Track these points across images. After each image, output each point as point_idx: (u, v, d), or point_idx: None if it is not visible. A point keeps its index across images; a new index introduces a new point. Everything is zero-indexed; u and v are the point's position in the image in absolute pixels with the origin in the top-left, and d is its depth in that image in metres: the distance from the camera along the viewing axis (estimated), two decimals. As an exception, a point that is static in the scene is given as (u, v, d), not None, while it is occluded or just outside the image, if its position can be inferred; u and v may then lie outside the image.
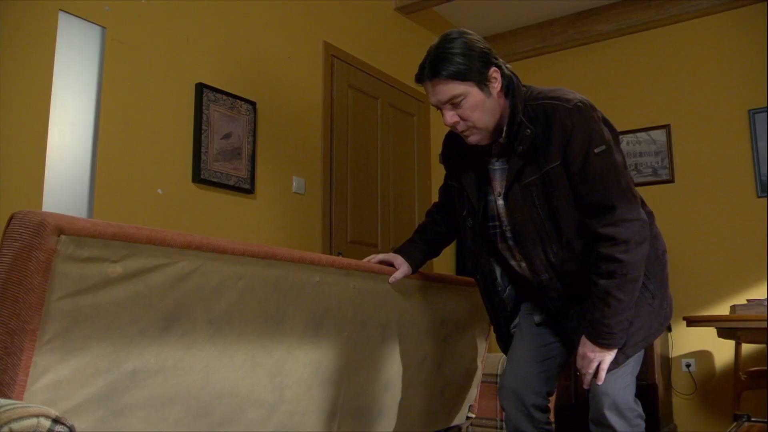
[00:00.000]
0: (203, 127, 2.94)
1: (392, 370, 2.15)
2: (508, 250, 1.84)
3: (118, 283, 1.37)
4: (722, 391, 4.31)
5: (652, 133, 4.73)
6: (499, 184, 1.78)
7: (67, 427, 1.12)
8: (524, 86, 1.73)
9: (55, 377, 1.31)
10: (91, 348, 1.36)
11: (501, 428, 3.25)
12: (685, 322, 4.04)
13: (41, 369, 1.28)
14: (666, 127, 4.69)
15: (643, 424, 1.74)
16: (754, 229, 4.28)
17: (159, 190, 2.77)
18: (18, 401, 1.17)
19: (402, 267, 2.00)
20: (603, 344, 1.64)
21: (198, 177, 2.90)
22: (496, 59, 1.67)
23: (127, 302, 1.39)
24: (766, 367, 3.69)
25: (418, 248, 2.07)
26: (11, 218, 1.29)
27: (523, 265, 1.82)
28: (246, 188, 3.13)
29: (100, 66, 2.64)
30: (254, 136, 3.21)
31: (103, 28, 2.66)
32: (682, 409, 4.48)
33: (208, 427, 1.63)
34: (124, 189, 2.66)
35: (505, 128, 1.70)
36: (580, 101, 1.66)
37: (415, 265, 2.03)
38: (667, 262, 1.88)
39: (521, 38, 5.24)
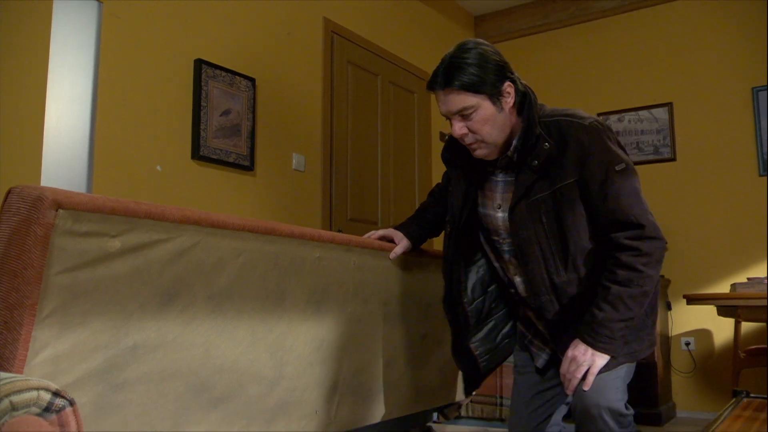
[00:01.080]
0: (202, 103, 2.92)
1: (393, 347, 2.15)
2: (503, 264, 1.81)
3: (117, 257, 1.36)
4: (721, 369, 4.33)
5: (654, 111, 4.70)
6: (500, 197, 1.73)
7: (67, 400, 1.12)
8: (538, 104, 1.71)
9: (54, 352, 1.30)
10: (91, 323, 1.35)
11: (501, 405, 3.27)
12: (685, 300, 4.05)
13: (41, 343, 1.27)
14: (668, 105, 4.66)
15: (635, 428, 1.67)
16: (756, 208, 4.27)
17: (158, 167, 2.76)
18: (18, 375, 1.17)
19: (402, 242, 1.98)
20: (599, 347, 1.58)
21: (197, 154, 2.88)
22: (512, 74, 1.64)
23: (126, 277, 1.39)
24: (765, 345, 3.70)
25: (419, 225, 2.04)
26: (8, 193, 1.28)
27: (518, 279, 1.78)
28: (245, 165, 3.12)
29: (97, 41, 2.61)
30: (254, 112, 3.18)
31: (100, 2, 2.62)
32: (680, 387, 4.50)
33: (208, 402, 1.63)
34: (123, 166, 2.64)
35: (515, 142, 1.66)
36: (596, 120, 1.64)
37: (415, 241, 2.02)
38: (657, 297, 1.82)
39: (522, 15, 5.19)
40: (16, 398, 1.05)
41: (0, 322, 1.23)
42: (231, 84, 3.07)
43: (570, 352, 1.61)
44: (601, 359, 1.58)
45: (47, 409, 1.09)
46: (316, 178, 3.59)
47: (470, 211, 1.78)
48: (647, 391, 4.10)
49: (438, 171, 4.52)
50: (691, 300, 3.88)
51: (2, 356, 1.24)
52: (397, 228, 2.04)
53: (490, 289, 1.91)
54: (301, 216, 3.44)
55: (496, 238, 1.78)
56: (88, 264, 1.32)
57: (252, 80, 3.18)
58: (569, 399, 1.82)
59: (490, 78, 1.58)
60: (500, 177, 1.73)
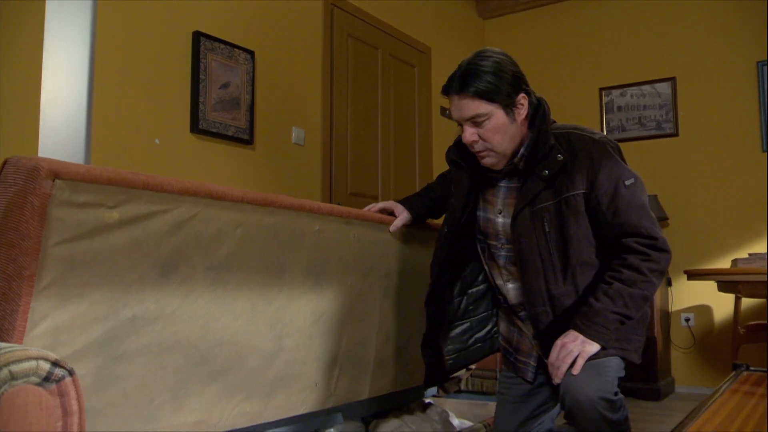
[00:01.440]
0: (201, 76, 2.89)
1: (393, 320, 2.15)
2: (498, 270, 1.80)
3: (115, 229, 1.35)
4: (720, 345, 4.35)
5: (657, 85, 4.66)
6: (501, 202, 1.74)
7: (66, 370, 1.12)
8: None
9: (53, 323, 1.30)
10: (90, 294, 1.35)
11: (500, 379, 3.29)
12: (685, 276, 4.05)
13: (39, 315, 1.27)
14: (671, 80, 4.62)
15: (627, 413, 1.61)
16: (759, 183, 4.25)
17: (156, 141, 2.74)
18: (17, 345, 1.17)
19: (402, 215, 1.97)
20: (591, 334, 1.56)
21: (196, 127, 2.86)
22: (527, 86, 1.65)
23: (125, 248, 1.38)
24: (765, 321, 3.71)
25: (422, 201, 2.02)
26: (4, 163, 1.26)
27: (509, 286, 1.78)
28: (245, 139, 3.10)
29: (93, 13, 2.57)
30: (253, 85, 3.15)
31: (96, -27, 2.58)
32: (680, 362, 4.53)
33: (208, 374, 1.64)
34: (121, 139, 2.62)
35: (522, 150, 1.66)
36: (605, 137, 1.67)
37: (416, 216, 2.00)
38: (648, 312, 1.78)
39: (522, -11, 5.13)
40: (15, 368, 1.05)
41: (-2, 294, 1.22)
42: (230, 57, 3.04)
43: (560, 341, 1.59)
44: (592, 346, 1.55)
45: (47, 378, 1.09)
46: (315, 152, 3.57)
47: (470, 214, 1.79)
48: (647, 366, 4.12)
49: (438, 146, 4.50)
50: (692, 275, 3.88)
51: (1, 328, 1.23)
52: (399, 201, 2.02)
53: (470, 291, 1.91)
54: (301, 190, 3.42)
55: (493, 242, 1.77)
56: (86, 235, 1.31)
57: (251, 53, 3.15)
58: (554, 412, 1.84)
59: (505, 88, 1.58)
60: (503, 183, 1.74)
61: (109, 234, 1.35)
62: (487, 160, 1.67)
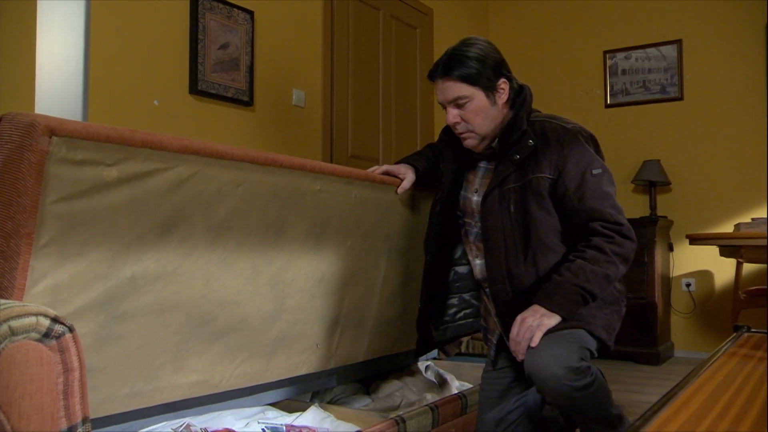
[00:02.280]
0: (199, 36, 2.84)
1: (395, 282, 2.15)
2: (470, 246, 1.87)
3: (113, 187, 1.34)
4: (720, 310, 4.36)
5: (663, 48, 4.59)
6: (478, 182, 1.81)
7: (66, 326, 1.12)
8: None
9: (53, 281, 1.29)
10: (89, 253, 1.34)
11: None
12: (687, 241, 4.04)
13: (39, 273, 1.26)
14: (677, 43, 4.55)
15: (597, 373, 1.58)
16: (763, 148, 4.21)
17: (155, 102, 2.70)
18: (16, 301, 1.16)
19: (408, 175, 1.97)
20: (550, 306, 1.57)
21: (195, 88, 2.82)
22: (508, 72, 1.73)
23: (124, 207, 1.36)
24: (765, 286, 3.72)
25: (425, 158, 2.04)
26: (0, 120, 1.24)
27: (476, 262, 1.84)
28: (244, 100, 3.06)
29: (89, -30, 2.51)
30: (252, 46, 3.10)
31: (91, -72, 2.51)
32: (680, 327, 4.55)
33: (210, 335, 1.64)
34: (119, 100, 2.58)
35: (499, 134, 1.74)
36: (579, 127, 1.72)
37: (421, 175, 2.01)
38: (622, 304, 1.78)
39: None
40: (14, 323, 1.05)
41: (-3, 252, 1.21)
42: (229, 17, 2.98)
43: (520, 316, 1.60)
44: (550, 319, 1.56)
45: (46, 334, 1.08)
46: (316, 115, 3.53)
47: (457, 192, 1.87)
48: (646, 331, 4.15)
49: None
50: (694, 240, 3.87)
51: (1, 286, 1.23)
52: (402, 161, 2.03)
53: (457, 268, 1.97)
54: (302, 153, 3.39)
55: (469, 220, 1.85)
56: (84, 193, 1.29)
57: (250, 13, 3.09)
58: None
59: (487, 72, 1.67)
60: (483, 164, 1.83)
61: (108, 192, 1.33)
62: (468, 142, 1.75)
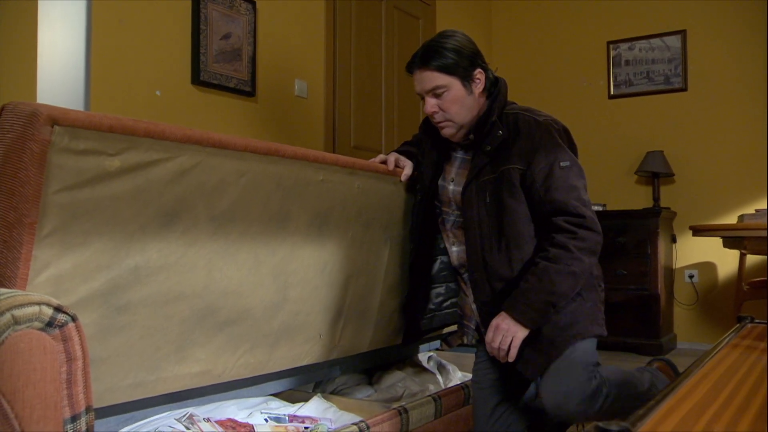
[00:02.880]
0: (201, 26, 2.83)
1: (397, 272, 2.15)
2: (446, 233, 1.92)
3: (116, 176, 1.33)
4: (723, 301, 4.36)
5: (667, 39, 4.56)
6: (455, 171, 1.86)
7: (69, 315, 1.12)
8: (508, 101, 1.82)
9: (56, 271, 1.29)
10: (92, 243, 1.34)
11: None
12: (690, 233, 4.03)
13: (42, 263, 1.26)
14: (681, 33, 4.52)
15: (611, 382, 1.68)
16: None
17: (157, 92, 2.69)
18: (19, 290, 1.16)
19: (409, 164, 2.02)
20: (516, 315, 1.63)
21: (197, 79, 2.81)
22: (484, 63, 1.77)
23: (127, 197, 1.36)
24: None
25: (413, 150, 2.09)
26: (2, 109, 1.24)
27: (453, 249, 1.89)
28: (247, 91, 3.05)
29: (90, -40, 2.50)
30: (254, 36, 3.09)
31: None
32: (682, 319, 4.55)
33: (213, 325, 1.64)
34: (121, 91, 2.58)
35: (474, 125, 1.78)
36: (551, 119, 1.75)
37: (414, 161, 2.04)
38: (600, 289, 1.81)
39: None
40: (17, 312, 1.05)
41: (-1, 241, 1.21)
42: (231, 6, 2.97)
43: (494, 321, 1.67)
44: (522, 331, 1.63)
45: (50, 323, 1.08)
46: (318, 105, 3.53)
47: (437, 182, 1.91)
48: (649, 322, 4.15)
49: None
50: (698, 231, 3.86)
51: (4, 276, 1.23)
52: (398, 150, 2.09)
53: (442, 257, 2.01)
54: (304, 144, 3.39)
55: (446, 209, 1.89)
56: (87, 183, 1.29)
57: (252, 3, 3.08)
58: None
59: (463, 62, 1.71)
60: (459, 154, 1.87)
61: (110, 182, 1.33)
62: (446, 131, 1.79)
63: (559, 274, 1.61)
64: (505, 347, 1.64)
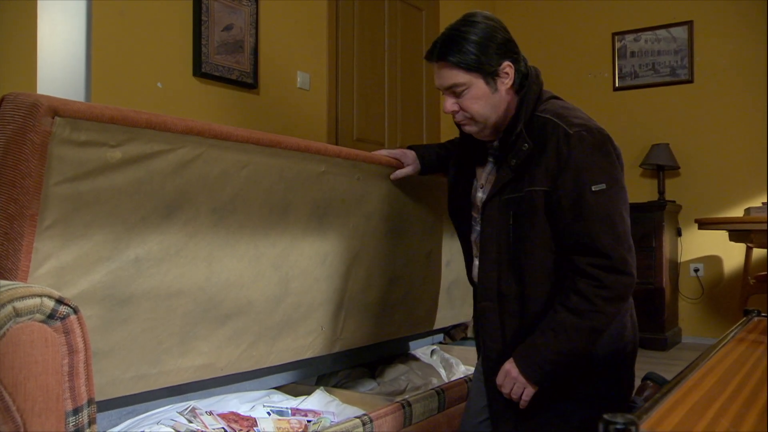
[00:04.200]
0: (203, 18, 2.81)
1: (398, 264, 2.14)
2: (471, 245, 1.73)
3: (117, 168, 1.33)
4: (729, 295, 4.34)
5: (673, 30, 4.53)
6: (485, 177, 1.66)
7: (71, 307, 1.11)
8: (544, 92, 1.59)
9: (58, 263, 1.29)
10: (93, 235, 1.33)
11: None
12: (696, 226, 4.01)
13: (43, 255, 1.26)
14: (688, 24, 4.49)
15: None
16: (774, 132, 4.17)
17: (159, 84, 2.68)
18: (20, 282, 1.16)
19: (410, 166, 1.90)
20: (526, 372, 1.47)
21: (199, 71, 2.80)
22: (516, 54, 1.55)
23: (128, 188, 1.35)
24: (775, 271, 3.69)
25: (436, 152, 1.92)
26: (2, 100, 1.23)
27: (476, 262, 1.68)
28: (249, 83, 3.04)
29: (92, -49, 2.49)
30: (256, 28, 3.08)
31: None
32: (687, 312, 4.53)
33: (215, 318, 1.63)
34: (122, 83, 2.57)
35: (501, 133, 1.58)
36: (586, 129, 1.47)
37: (427, 165, 1.92)
38: (627, 356, 1.61)
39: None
40: (19, 304, 1.04)
41: (0, 233, 1.21)
42: (233, -2, 2.96)
43: (506, 365, 1.52)
44: (531, 388, 1.48)
45: (51, 316, 1.08)
46: (321, 98, 3.51)
47: (468, 183, 1.72)
48: (654, 316, 4.13)
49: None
50: (703, 224, 3.84)
51: (5, 268, 1.22)
52: (412, 147, 1.95)
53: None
54: (306, 136, 3.36)
55: (475, 215, 1.70)
56: (88, 174, 1.28)
57: (255, -5, 3.07)
58: None
59: (488, 57, 1.50)
60: (489, 167, 1.67)
61: (112, 174, 1.32)
62: (468, 128, 1.59)
63: (577, 331, 1.43)
64: (516, 397, 1.50)
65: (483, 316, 1.60)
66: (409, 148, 1.96)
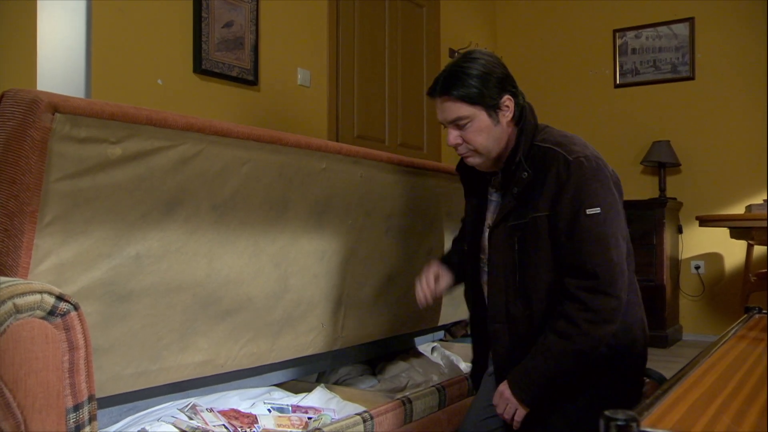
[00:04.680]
0: (203, 14, 2.81)
1: (397, 261, 2.14)
2: (481, 286, 1.74)
3: (118, 165, 1.33)
4: (730, 293, 4.33)
5: (674, 26, 4.52)
6: (491, 217, 1.69)
7: (71, 304, 1.11)
8: (542, 125, 1.64)
9: (58, 260, 1.29)
10: (93, 231, 1.33)
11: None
12: (697, 223, 4.01)
13: (43, 252, 1.26)
14: (689, 21, 4.47)
15: None
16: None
17: (159, 81, 2.68)
18: (20, 279, 1.16)
19: (444, 277, 1.81)
20: (517, 394, 1.53)
21: (199, 67, 2.80)
22: (514, 88, 1.61)
23: (128, 185, 1.35)
24: (775, 268, 3.69)
25: (455, 256, 1.88)
26: (2, 96, 1.23)
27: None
28: (249, 80, 3.03)
29: (92, -52, 2.48)
30: (257, 25, 3.07)
31: None
32: (688, 310, 4.53)
33: (215, 315, 1.63)
34: (122, 80, 2.57)
35: (503, 164, 1.63)
36: (583, 156, 1.53)
37: (456, 271, 1.85)
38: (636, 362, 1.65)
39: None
40: (19, 301, 1.04)
41: (0, 230, 1.21)
42: (233, -5, 2.95)
43: (501, 386, 1.58)
44: (523, 409, 1.53)
45: (51, 312, 1.08)
46: (322, 94, 3.51)
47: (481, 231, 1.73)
48: (654, 314, 4.13)
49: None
50: (704, 221, 3.83)
51: (5, 264, 1.22)
52: (443, 259, 1.87)
53: None
54: (307, 133, 3.37)
55: (482, 256, 1.73)
56: (88, 171, 1.28)
57: (255, -9, 3.06)
58: None
59: (489, 90, 1.55)
60: (494, 197, 1.71)
61: (112, 170, 1.32)
62: (471, 160, 1.63)
63: (564, 355, 1.49)
64: (509, 417, 1.55)
65: (494, 339, 1.65)
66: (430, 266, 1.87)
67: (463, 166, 1.73)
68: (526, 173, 1.56)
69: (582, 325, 1.47)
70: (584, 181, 1.51)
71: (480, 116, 1.56)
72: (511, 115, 1.59)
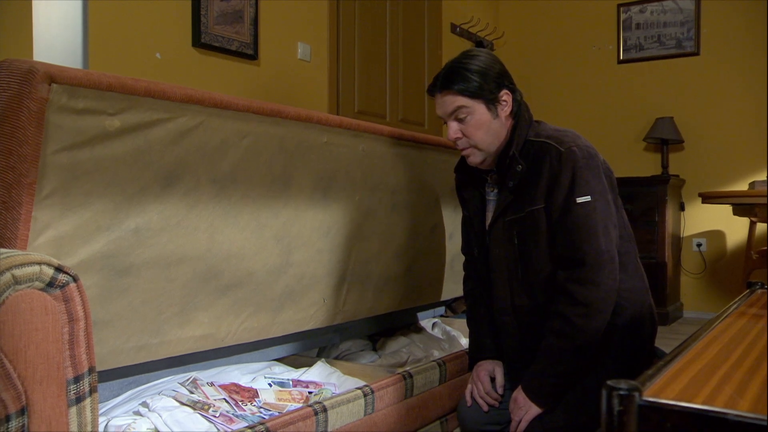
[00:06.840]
0: (202, -13, 2.78)
1: (402, 236, 2.13)
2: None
3: (116, 137, 1.31)
4: (731, 270, 4.33)
5: (680, 1, 4.46)
6: (490, 216, 1.72)
7: (70, 275, 1.10)
8: (536, 121, 1.67)
9: (57, 233, 1.28)
10: (92, 204, 1.32)
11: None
12: (699, 200, 4.00)
13: (42, 224, 1.24)
14: (695, -5, 4.43)
15: None
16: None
17: (157, 55, 2.65)
18: (19, 250, 1.15)
19: (498, 368, 1.75)
20: (530, 397, 1.56)
21: (198, 41, 2.77)
22: (511, 84, 1.64)
23: (127, 158, 1.34)
24: (777, 245, 3.68)
25: (488, 340, 1.80)
26: (-2, 67, 1.21)
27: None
28: (249, 54, 3.00)
29: None
30: (257, -2, 3.04)
31: None
32: (689, 287, 4.53)
33: (216, 289, 1.63)
34: (120, 53, 2.54)
35: (498, 158, 1.66)
36: (575, 146, 1.56)
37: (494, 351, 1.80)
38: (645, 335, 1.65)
39: None
40: (18, 272, 1.03)
41: (-2, 202, 1.20)
42: (233, -33, 2.91)
43: (515, 393, 1.61)
44: (535, 409, 1.56)
45: (50, 284, 1.07)
46: (322, 69, 3.48)
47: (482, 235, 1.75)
48: (655, 291, 4.13)
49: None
50: (707, 198, 3.82)
51: (3, 237, 1.21)
52: (475, 358, 1.79)
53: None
54: (307, 107, 3.30)
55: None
56: (87, 143, 1.27)
57: (255, -36, 3.02)
58: None
59: (488, 85, 1.59)
60: (492, 196, 1.74)
61: (110, 142, 1.30)
62: (472, 159, 1.65)
63: (563, 353, 1.53)
64: (518, 420, 1.57)
65: (504, 330, 1.70)
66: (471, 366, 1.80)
67: (461, 168, 1.77)
68: (520, 166, 1.59)
69: (576, 321, 1.51)
70: (576, 169, 1.54)
71: (479, 109, 1.59)
72: (509, 110, 1.63)
